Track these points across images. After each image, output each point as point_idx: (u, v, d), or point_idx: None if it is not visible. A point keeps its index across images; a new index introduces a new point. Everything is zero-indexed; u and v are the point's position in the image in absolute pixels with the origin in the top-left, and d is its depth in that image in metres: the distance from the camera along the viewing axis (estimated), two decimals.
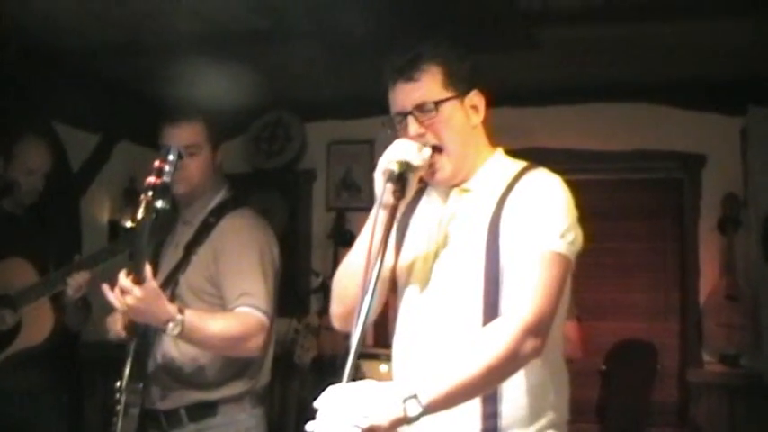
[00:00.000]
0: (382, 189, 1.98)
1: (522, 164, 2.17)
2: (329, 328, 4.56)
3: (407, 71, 2.10)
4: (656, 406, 4.98)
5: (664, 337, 5.14)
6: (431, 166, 2.08)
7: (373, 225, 1.95)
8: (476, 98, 2.15)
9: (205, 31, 4.05)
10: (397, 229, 2.22)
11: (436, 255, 2.15)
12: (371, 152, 5.38)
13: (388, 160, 1.99)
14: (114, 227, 5.50)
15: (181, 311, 2.67)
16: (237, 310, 2.87)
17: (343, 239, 5.28)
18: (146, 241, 2.50)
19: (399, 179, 1.97)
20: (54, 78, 4.37)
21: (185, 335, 2.69)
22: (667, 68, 4.63)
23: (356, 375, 4.73)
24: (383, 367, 4.40)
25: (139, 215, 2.44)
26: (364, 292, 1.79)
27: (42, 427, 3.69)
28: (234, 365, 2.98)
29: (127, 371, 2.90)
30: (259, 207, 5.49)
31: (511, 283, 1.98)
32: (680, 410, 5.08)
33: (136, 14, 3.86)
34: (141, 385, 2.93)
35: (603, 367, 5.11)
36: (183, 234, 3.11)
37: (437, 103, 2.08)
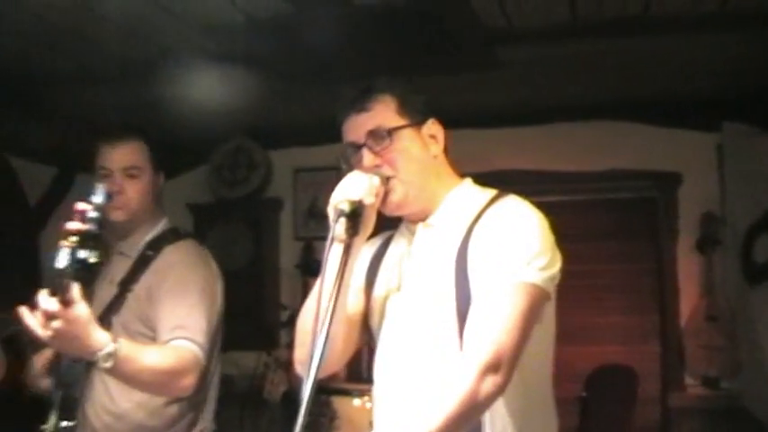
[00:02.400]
0: (332, 227, 1.86)
1: (491, 193, 2.08)
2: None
3: (359, 102, 2.04)
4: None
5: (644, 360, 5.02)
6: (384, 194, 1.98)
7: (324, 264, 1.82)
8: (434, 127, 2.08)
9: (159, 58, 3.90)
10: (368, 271, 2.16)
11: (405, 294, 2.06)
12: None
13: (338, 198, 1.88)
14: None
15: (114, 340, 2.32)
16: (172, 343, 2.59)
17: (312, 269, 5.15)
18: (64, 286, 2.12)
19: (351, 216, 1.86)
20: (4, 110, 4.20)
21: (117, 368, 2.33)
22: (638, 85, 4.53)
23: (327, 412, 4.60)
24: (356, 402, 4.29)
25: (60, 263, 2.06)
26: (314, 336, 1.67)
27: None
28: (169, 413, 2.74)
29: (51, 422, 2.57)
30: (223, 238, 5.46)
31: (472, 318, 1.87)
32: None
33: (85, 42, 3.70)
34: None
35: (583, 394, 4.97)
36: (118, 268, 2.84)
37: (390, 131, 2.00)
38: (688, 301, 4.92)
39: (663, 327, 5.07)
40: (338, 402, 4.34)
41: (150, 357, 2.48)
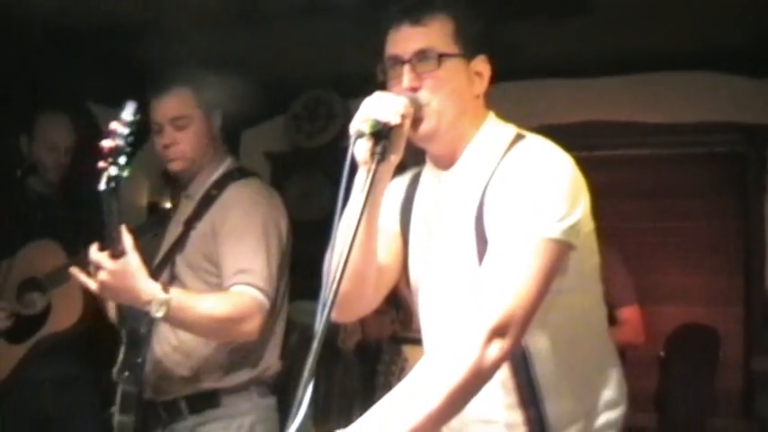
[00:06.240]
0: (349, 149, 1.71)
1: (511, 133, 1.91)
2: (374, 311, 4.45)
3: (416, 13, 1.86)
4: (720, 396, 4.75)
5: (727, 322, 4.91)
6: (415, 121, 1.81)
7: (340, 194, 1.64)
8: (482, 64, 1.91)
9: (235, 6, 3.87)
10: (402, 214, 2.04)
11: (435, 251, 1.94)
12: None
13: (359, 118, 1.73)
14: (153, 208, 5.40)
15: (165, 290, 2.42)
16: (232, 288, 2.61)
17: None
18: (112, 212, 2.27)
19: (375, 139, 1.70)
20: (84, 58, 4.23)
21: (172, 317, 2.43)
22: (729, 33, 4.28)
23: (398, 360, 4.62)
24: None
25: (101, 186, 2.21)
26: (332, 272, 1.54)
27: (78, 413, 3.60)
28: (236, 351, 2.75)
29: (120, 359, 2.72)
30: (300, 188, 5.46)
31: (480, 279, 1.71)
32: (745, 401, 4.84)
33: None
34: (138, 375, 2.73)
35: (662, 354, 4.88)
36: (185, 209, 2.88)
37: (441, 56, 1.83)
38: None
39: (747, 288, 4.93)
40: (409, 351, 4.33)
41: (206, 304, 2.53)
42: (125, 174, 2.17)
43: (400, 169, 1.93)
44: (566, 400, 1.85)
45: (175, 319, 2.47)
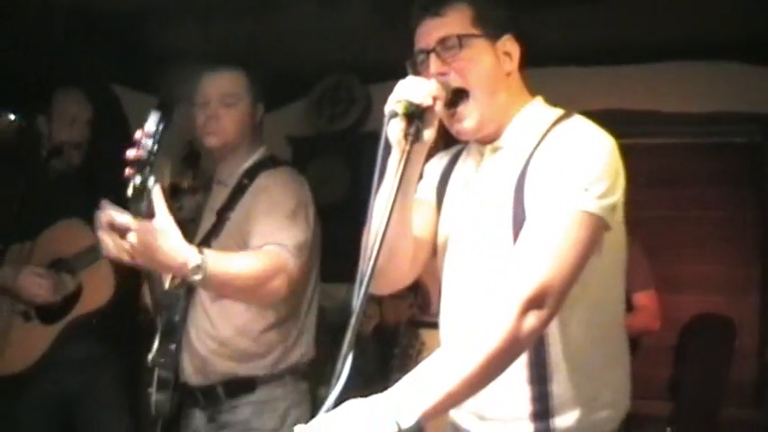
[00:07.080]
0: (383, 130, 1.78)
1: (557, 113, 1.98)
2: (392, 295, 4.48)
3: (433, 6, 1.96)
4: (734, 385, 4.74)
5: (743, 312, 4.89)
6: (454, 115, 1.91)
7: (376, 173, 1.73)
8: (509, 44, 1.98)
9: None
10: (439, 188, 2.11)
11: (470, 223, 2.00)
12: None
13: (393, 99, 1.80)
14: (175, 190, 5.43)
15: (200, 251, 2.34)
16: (263, 248, 2.62)
17: None
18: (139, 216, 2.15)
19: (408, 120, 1.78)
20: (106, 42, 4.26)
21: (209, 279, 2.33)
22: (749, 23, 4.24)
23: (416, 343, 4.64)
24: None
25: (128, 192, 2.10)
26: (369, 248, 1.60)
27: (105, 394, 3.58)
28: (273, 341, 2.83)
29: (156, 345, 2.81)
30: (321, 171, 5.48)
31: (518, 248, 1.77)
32: (759, 390, 4.84)
33: None
34: (173, 360, 2.82)
35: (677, 343, 4.88)
36: (217, 196, 2.95)
37: (461, 38, 1.92)
38: None
39: (764, 277, 4.92)
40: (426, 335, 4.37)
41: (239, 263, 2.51)
42: (149, 183, 2.09)
43: (434, 152, 2.01)
44: (571, 384, 1.89)
45: (211, 282, 2.38)
